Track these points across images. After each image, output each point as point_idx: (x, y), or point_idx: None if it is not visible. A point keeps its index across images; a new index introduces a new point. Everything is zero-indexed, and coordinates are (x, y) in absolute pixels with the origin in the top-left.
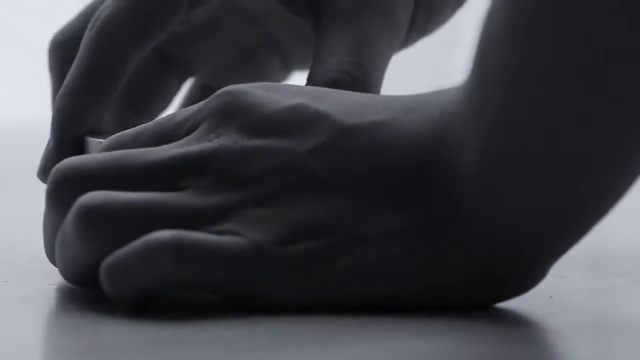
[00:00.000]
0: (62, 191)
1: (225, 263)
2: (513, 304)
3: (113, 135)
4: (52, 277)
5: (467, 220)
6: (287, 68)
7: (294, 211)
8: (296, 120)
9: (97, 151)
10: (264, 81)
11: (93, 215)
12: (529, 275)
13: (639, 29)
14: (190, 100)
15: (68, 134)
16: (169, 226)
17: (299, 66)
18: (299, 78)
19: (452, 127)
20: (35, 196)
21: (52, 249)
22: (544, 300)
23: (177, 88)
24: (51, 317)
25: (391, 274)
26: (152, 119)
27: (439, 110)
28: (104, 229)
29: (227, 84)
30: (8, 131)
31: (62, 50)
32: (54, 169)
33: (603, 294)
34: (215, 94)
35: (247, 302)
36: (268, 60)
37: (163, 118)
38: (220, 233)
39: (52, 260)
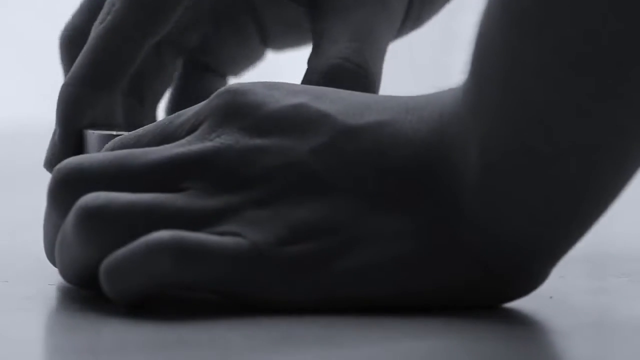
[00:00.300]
0: (63, 191)
1: (225, 263)
2: (513, 304)
3: (116, 138)
4: (52, 277)
5: (468, 221)
6: (264, 44)
7: (294, 212)
8: (298, 120)
9: (97, 149)
10: (240, 54)
11: (93, 216)
12: (530, 276)
13: (634, 20)
14: (182, 79)
15: (71, 125)
16: (169, 227)
17: (275, 45)
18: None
19: (451, 128)
20: (35, 196)
21: (52, 249)
22: (544, 300)
23: (172, 67)
24: (51, 317)
25: (391, 275)
26: (155, 103)
27: (439, 111)
28: (104, 230)
29: (212, 55)
30: (7, 131)
31: (72, 44)
32: (55, 169)
33: (603, 294)
34: (216, 93)
35: (247, 302)
36: (248, 34)
37: (165, 119)
38: (221, 234)
39: (52, 260)
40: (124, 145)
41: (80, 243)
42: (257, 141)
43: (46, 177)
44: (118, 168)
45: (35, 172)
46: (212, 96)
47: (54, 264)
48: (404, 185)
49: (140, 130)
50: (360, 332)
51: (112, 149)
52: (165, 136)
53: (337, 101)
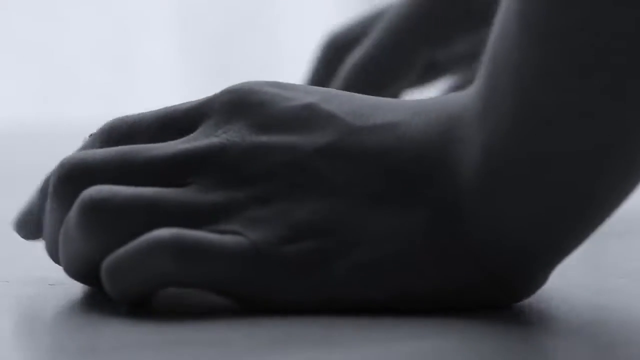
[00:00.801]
0: (66, 186)
1: (225, 263)
2: (510, 306)
3: (108, 122)
4: (52, 277)
5: (469, 223)
6: None
7: (296, 211)
8: (305, 119)
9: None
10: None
11: (96, 209)
12: (530, 278)
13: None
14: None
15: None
16: (171, 222)
17: None
18: None
19: (457, 131)
20: None
21: (53, 245)
22: (545, 300)
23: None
24: (51, 317)
25: (391, 277)
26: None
27: (446, 114)
28: (107, 223)
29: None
30: (8, 131)
31: (334, 49)
32: (58, 164)
33: (603, 294)
34: (224, 89)
35: (248, 301)
36: None
37: (169, 106)
38: (222, 232)
39: (53, 256)
40: (112, 129)
41: (83, 236)
42: (263, 138)
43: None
44: (122, 163)
45: (35, 172)
46: (219, 92)
47: (55, 260)
48: (407, 186)
49: (137, 115)
50: (360, 333)
51: (103, 132)
52: (166, 123)
53: (345, 103)
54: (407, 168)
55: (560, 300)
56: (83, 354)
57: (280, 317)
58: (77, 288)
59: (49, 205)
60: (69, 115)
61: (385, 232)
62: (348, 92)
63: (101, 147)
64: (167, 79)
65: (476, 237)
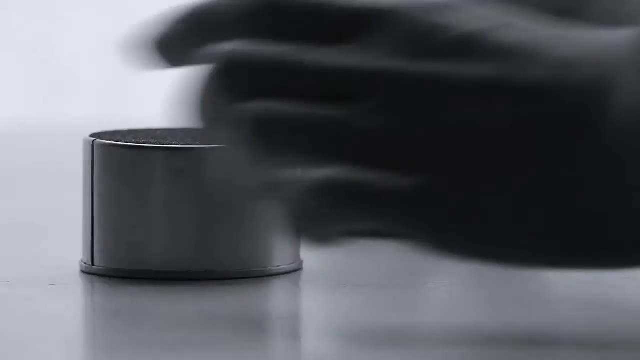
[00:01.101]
0: (236, 76)
1: (388, 207)
2: (513, 305)
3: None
4: (52, 278)
5: (619, 171)
6: None
7: (456, 155)
8: (470, 49)
9: (101, 158)
10: None
11: (266, 128)
12: None
13: None
14: None
15: None
16: (338, 147)
17: None
18: None
19: (618, 77)
20: (34, 196)
21: (212, 121)
22: (544, 300)
23: None
24: (51, 317)
25: (547, 240)
26: None
27: (607, 55)
28: (277, 143)
29: None
30: (8, 131)
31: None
32: (230, 50)
33: (602, 293)
34: (382, 4)
35: (417, 247)
36: None
37: None
38: (390, 169)
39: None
40: (266, 12)
41: (249, 154)
42: (428, 69)
43: (45, 178)
44: (292, 68)
45: (35, 172)
46: (380, 6)
47: (201, 118)
48: (565, 131)
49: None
50: (367, 336)
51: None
52: (324, 19)
53: (513, 33)
54: (567, 109)
55: (560, 300)
56: (83, 353)
57: (281, 318)
58: (76, 288)
59: (213, 78)
60: (69, 115)
61: (538, 189)
62: (520, 19)
63: (254, 26)
64: (167, 79)
65: (626, 187)
